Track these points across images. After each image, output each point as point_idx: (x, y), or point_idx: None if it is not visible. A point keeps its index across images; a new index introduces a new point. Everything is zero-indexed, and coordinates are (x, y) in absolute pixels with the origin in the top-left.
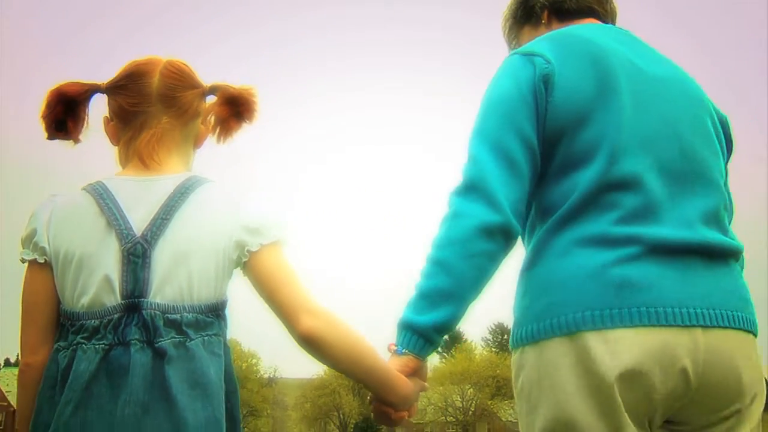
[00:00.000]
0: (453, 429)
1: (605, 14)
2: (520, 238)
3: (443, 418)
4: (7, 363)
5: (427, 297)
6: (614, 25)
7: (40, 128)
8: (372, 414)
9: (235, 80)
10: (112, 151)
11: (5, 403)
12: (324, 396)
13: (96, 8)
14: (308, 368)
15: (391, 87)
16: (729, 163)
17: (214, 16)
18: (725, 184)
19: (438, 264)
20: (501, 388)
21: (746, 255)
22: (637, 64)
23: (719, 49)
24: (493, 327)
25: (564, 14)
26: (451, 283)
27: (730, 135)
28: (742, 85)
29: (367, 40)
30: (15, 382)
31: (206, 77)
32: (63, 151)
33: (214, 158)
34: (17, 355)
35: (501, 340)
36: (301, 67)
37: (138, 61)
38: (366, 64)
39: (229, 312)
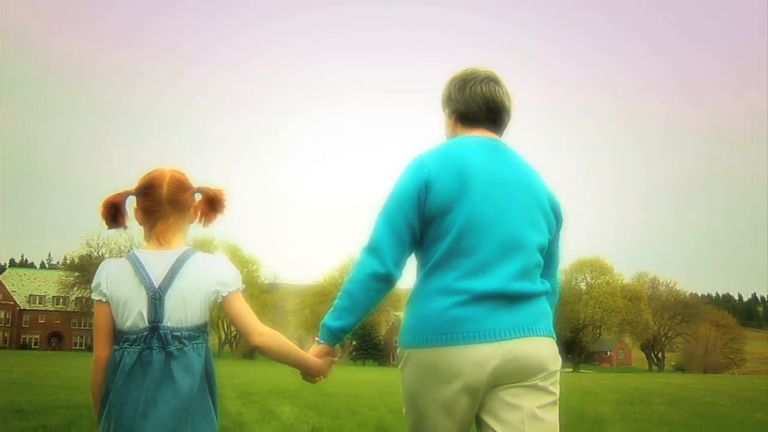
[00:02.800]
0: None
1: (494, 125)
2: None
3: None
4: (12, 263)
5: (338, 311)
6: (501, 133)
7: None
8: (302, 378)
9: (235, 80)
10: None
11: (11, 302)
12: (323, 303)
13: (96, 8)
14: (308, 274)
15: (391, 87)
16: (561, 231)
17: (214, 16)
18: (553, 247)
19: (346, 292)
20: None
21: None
22: (492, 171)
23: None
24: None
25: (465, 121)
26: (352, 305)
27: (559, 215)
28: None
29: (367, 40)
30: (19, 282)
31: (208, 76)
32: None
33: (220, 162)
34: (22, 256)
35: None
36: (302, 67)
37: (153, 175)
38: (366, 64)
39: (234, 218)
